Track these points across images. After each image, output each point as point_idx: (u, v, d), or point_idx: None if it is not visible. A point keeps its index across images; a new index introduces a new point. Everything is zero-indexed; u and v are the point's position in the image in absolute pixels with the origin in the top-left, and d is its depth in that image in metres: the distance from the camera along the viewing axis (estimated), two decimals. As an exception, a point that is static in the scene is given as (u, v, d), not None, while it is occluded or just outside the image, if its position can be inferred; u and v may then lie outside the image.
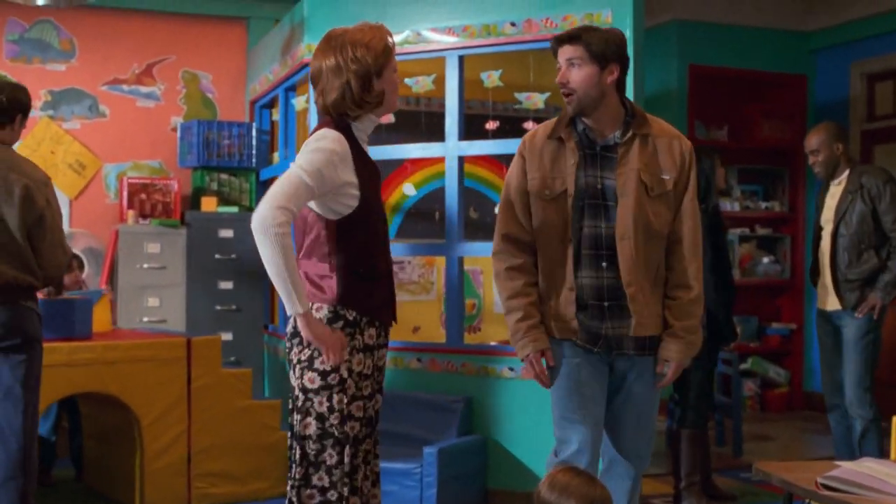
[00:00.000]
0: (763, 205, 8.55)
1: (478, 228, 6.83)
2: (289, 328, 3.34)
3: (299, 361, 3.29)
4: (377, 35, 3.34)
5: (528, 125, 5.49)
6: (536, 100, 5.44)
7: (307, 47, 5.93)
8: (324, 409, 3.25)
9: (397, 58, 5.57)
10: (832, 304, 5.51)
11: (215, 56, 7.63)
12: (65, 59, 7.27)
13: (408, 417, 5.39)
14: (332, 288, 3.27)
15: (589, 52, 3.39)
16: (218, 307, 6.77)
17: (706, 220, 5.01)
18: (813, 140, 5.58)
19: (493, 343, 6.55)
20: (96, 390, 5.00)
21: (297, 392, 3.30)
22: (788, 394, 8.59)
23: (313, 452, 3.27)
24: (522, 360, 3.52)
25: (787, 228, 8.63)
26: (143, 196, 6.91)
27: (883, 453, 4.83)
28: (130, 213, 6.77)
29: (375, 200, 3.41)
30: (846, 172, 5.53)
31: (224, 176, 7.14)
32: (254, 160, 7.13)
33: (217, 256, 6.76)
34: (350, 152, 3.28)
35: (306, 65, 5.98)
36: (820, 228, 5.66)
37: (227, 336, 6.71)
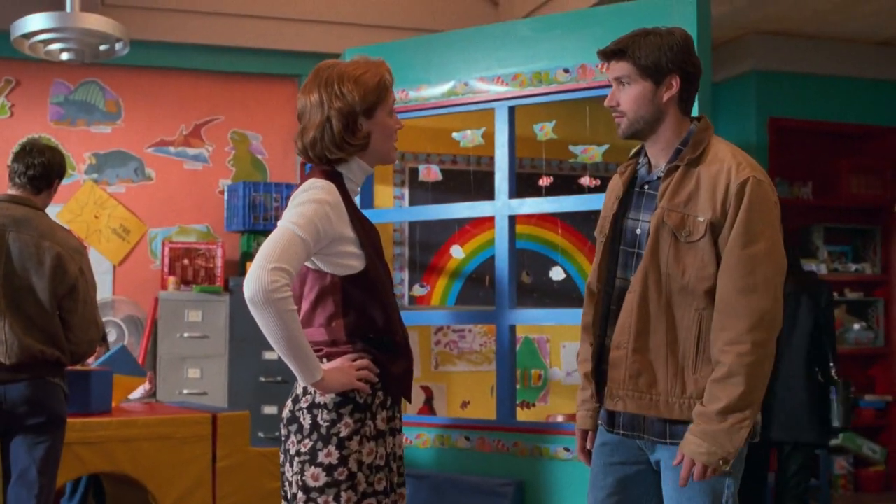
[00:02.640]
0: (853, 267, 7.97)
1: (530, 293, 6.38)
2: (285, 412, 2.89)
3: (298, 454, 2.82)
4: (371, 70, 2.92)
5: (585, 181, 5.05)
6: (594, 153, 5.00)
7: (350, 101, 5.59)
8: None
9: (443, 111, 5.30)
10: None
11: (265, 116, 7.35)
12: (110, 120, 7.05)
13: (454, 502, 4.92)
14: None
15: (638, 68, 2.81)
16: (262, 379, 6.40)
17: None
18: None
19: (558, 418, 6.07)
20: (110, 470, 4.64)
21: (294, 489, 2.81)
22: (885, 473, 7.93)
23: None
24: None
25: (880, 292, 8.02)
26: (186, 261, 6.61)
27: None
28: (171, 280, 6.47)
29: (380, 259, 2.97)
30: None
31: (271, 240, 6.80)
32: (302, 223, 6.77)
33: (260, 325, 6.38)
34: (343, 204, 2.85)
35: (349, 120, 5.65)
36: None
37: (271, 410, 6.34)
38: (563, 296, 6.54)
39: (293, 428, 2.84)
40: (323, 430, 2.79)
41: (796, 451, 5.22)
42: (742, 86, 7.69)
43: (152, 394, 5.78)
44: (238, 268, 6.80)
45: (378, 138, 2.93)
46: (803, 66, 7.73)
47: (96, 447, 4.55)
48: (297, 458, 2.82)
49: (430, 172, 5.72)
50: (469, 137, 5.27)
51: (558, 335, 6.77)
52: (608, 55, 2.87)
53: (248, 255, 6.71)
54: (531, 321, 5.21)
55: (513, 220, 5.06)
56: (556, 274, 5.32)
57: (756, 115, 7.59)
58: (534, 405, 6.74)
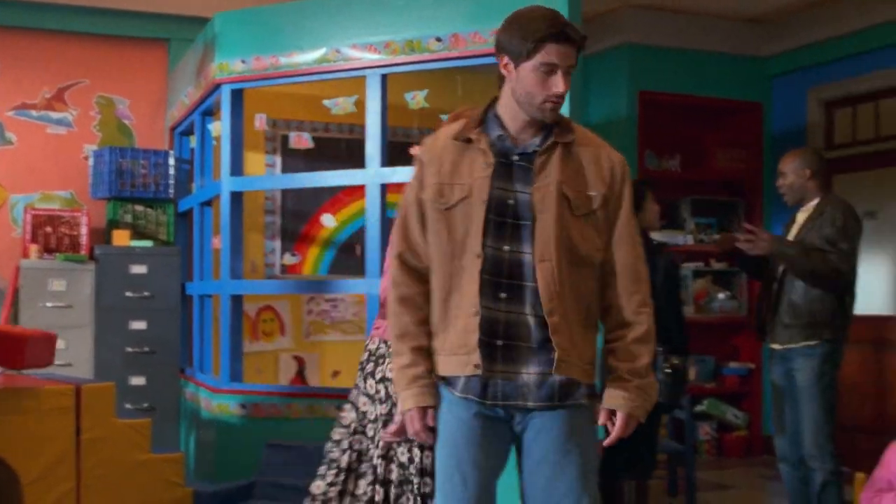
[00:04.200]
0: (718, 238, 8.14)
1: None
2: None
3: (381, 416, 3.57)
4: None
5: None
6: (465, 122, 4.98)
7: (219, 66, 5.48)
8: (405, 459, 3.56)
9: (314, 77, 5.25)
10: (782, 340, 5.07)
11: (133, 80, 7.14)
12: (-33, 82, 6.78)
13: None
14: None
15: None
16: (129, 349, 6.24)
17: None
18: (781, 162, 5.23)
19: None
20: (-35, 446, 4.46)
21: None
22: (747, 438, 8.17)
23: (394, 496, 3.57)
24: (401, 413, 2.96)
25: (744, 263, 8.21)
26: (49, 229, 6.39)
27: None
28: (34, 248, 6.26)
29: None
30: (815, 201, 5.13)
31: (139, 208, 6.63)
32: (171, 191, 6.63)
33: (128, 294, 6.24)
34: None
35: (219, 85, 5.54)
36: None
37: (139, 381, 6.21)
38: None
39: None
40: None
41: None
42: (614, 59, 7.77)
43: (14, 365, 5.59)
44: (104, 236, 6.61)
45: None
46: (674, 40, 7.85)
47: (-50, 421, 4.38)
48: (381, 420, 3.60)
49: (301, 140, 5.65)
50: (341, 105, 5.23)
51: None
52: (579, 42, 2.85)
53: (115, 223, 6.52)
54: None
55: (384, 188, 5.04)
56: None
57: (627, 88, 7.68)
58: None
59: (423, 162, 2.98)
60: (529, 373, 2.84)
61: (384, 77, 5.03)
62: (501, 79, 2.93)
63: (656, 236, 7.61)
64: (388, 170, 5.01)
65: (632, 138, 7.67)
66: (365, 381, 3.76)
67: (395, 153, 5.28)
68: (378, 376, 3.67)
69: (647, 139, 7.81)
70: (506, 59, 2.87)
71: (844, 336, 5.06)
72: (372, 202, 5.02)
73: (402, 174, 5.11)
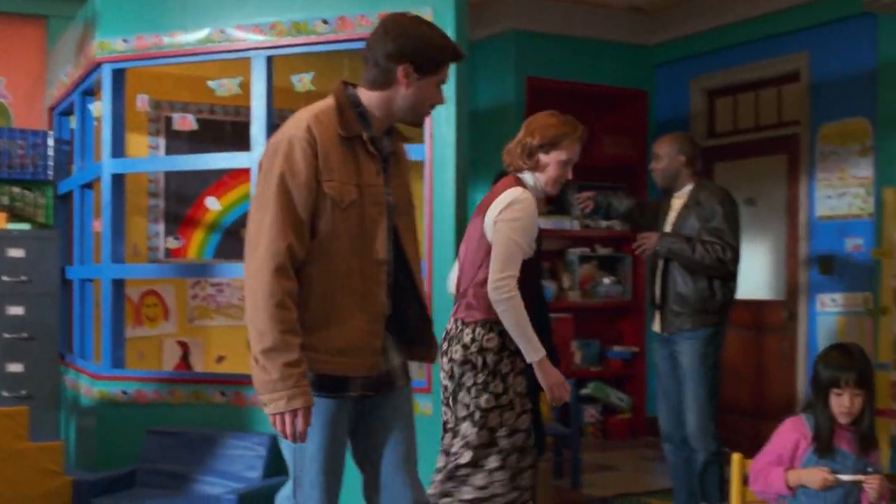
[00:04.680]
0: (604, 224, 8.26)
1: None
2: (458, 356, 3.85)
3: (475, 384, 3.82)
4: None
5: (342, 133, 5.02)
6: (352, 105, 4.94)
7: (100, 45, 5.35)
8: (495, 423, 3.83)
9: (198, 58, 5.15)
10: (672, 328, 5.17)
11: (10, 58, 6.93)
12: None
13: (207, 458, 4.83)
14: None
15: None
16: (6, 335, 6.05)
17: None
18: (656, 147, 5.31)
19: None
20: None
21: (472, 409, 3.82)
22: (632, 420, 8.32)
23: (477, 458, 3.83)
24: (281, 411, 2.76)
25: (629, 247, 8.29)
26: (-82, 212, 6.17)
27: (724, 491, 4.50)
28: None
29: None
30: (689, 187, 5.22)
31: (17, 189, 6.44)
32: (50, 172, 6.46)
33: (5, 279, 6.04)
34: None
35: (100, 64, 5.41)
36: (657, 245, 5.33)
37: (17, 368, 6.02)
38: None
39: (467, 367, 3.84)
40: (491, 367, 3.82)
41: None
42: (501, 45, 7.80)
43: None
44: (-20, 218, 6.40)
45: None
46: (561, 27, 7.92)
47: None
48: (473, 388, 3.82)
49: (185, 122, 5.54)
50: (225, 87, 5.15)
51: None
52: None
53: (-9, 205, 6.34)
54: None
55: (270, 172, 4.97)
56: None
57: (514, 74, 7.71)
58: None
59: (317, 147, 2.85)
60: (398, 360, 3.10)
61: (269, 59, 4.97)
62: (384, 80, 2.93)
63: (543, 223, 7.71)
64: (273, 153, 4.95)
65: (519, 124, 7.65)
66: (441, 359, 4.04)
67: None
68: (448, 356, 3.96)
69: (535, 125, 7.86)
70: (410, 69, 2.90)
71: (727, 320, 5.18)
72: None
73: (287, 157, 5.06)
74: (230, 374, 5.50)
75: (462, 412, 3.86)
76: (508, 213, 3.78)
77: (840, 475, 3.09)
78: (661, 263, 5.20)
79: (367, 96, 2.97)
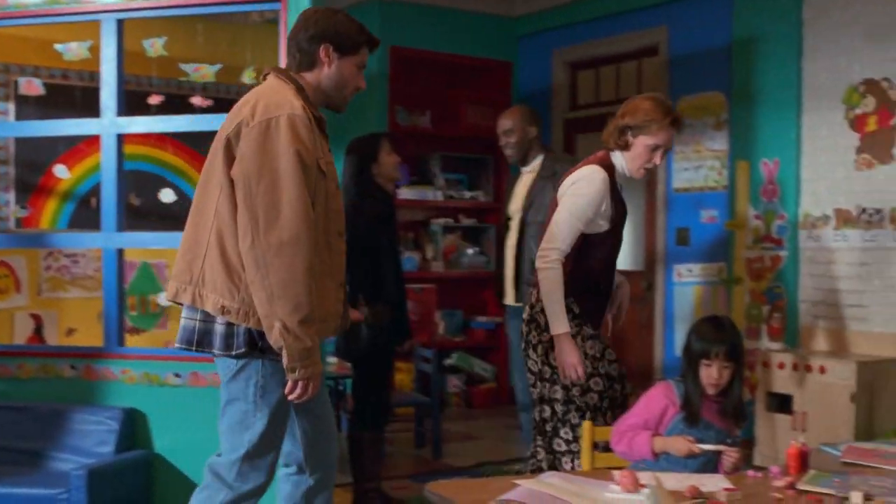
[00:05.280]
0: (468, 194, 8.29)
1: (142, 217, 6.16)
2: (525, 315, 4.10)
3: (541, 342, 4.00)
4: None
5: (196, 100, 4.91)
6: (206, 72, 4.83)
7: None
8: (568, 381, 3.93)
9: (45, 20, 4.96)
10: (519, 297, 5.21)
11: None
12: None
13: (57, 434, 4.69)
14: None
15: None
16: None
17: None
18: (507, 120, 5.31)
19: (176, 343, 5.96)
20: None
21: (540, 366, 4.02)
22: (495, 389, 8.39)
23: (561, 412, 4.00)
24: (309, 377, 3.05)
25: (492, 218, 8.40)
26: None
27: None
28: None
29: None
30: (539, 158, 5.27)
31: None
32: None
33: None
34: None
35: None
36: (508, 219, 5.37)
37: None
38: (180, 219, 6.38)
39: (533, 325, 4.03)
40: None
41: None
42: (365, 14, 7.71)
43: None
44: None
45: None
46: (427, -4, 7.91)
47: None
48: (540, 346, 4.00)
49: (31, 86, 5.34)
50: (74, 51, 4.95)
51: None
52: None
53: None
54: (139, 245, 5.05)
55: (121, 139, 4.83)
56: (166, 195, 5.16)
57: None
58: (145, 331, 6.54)
59: (307, 129, 3.06)
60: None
61: (120, 22, 4.80)
62: (309, 62, 3.21)
63: (407, 193, 7.71)
64: (124, 119, 4.80)
65: (383, 94, 7.68)
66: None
67: (134, 102, 5.07)
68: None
69: (398, 95, 7.85)
70: (330, 48, 3.19)
71: None
72: (108, 153, 4.79)
73: (139, 124, 4.93)
74: (81, 347, 5.34)
75: (534, 368, 4.07)
76: (572, 189, 3.93)
77: (702, 444, 3.15)
78: (514, 236, 5.23)
79: (307, 81, 3.23)
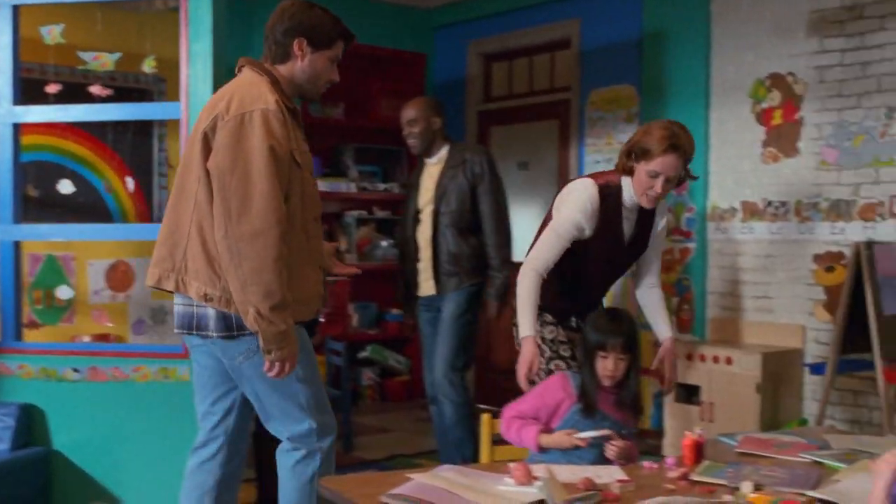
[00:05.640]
0: (381, 186, 8.24)
1: (41, 208, 6.01)
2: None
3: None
4: None
5: (95, 90, 4.80)
6: (105, 60, 4.71)
7: None
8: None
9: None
10: (430, 289, 5.20)
11: None
12: None
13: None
14: None
15: None
16: None
17: None
18: (411, 110, 5.30)
19: (84, 338, 5.98)
20: None
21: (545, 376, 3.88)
22: (409, 382, 8.36)
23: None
24: (286, 357, 3.25)
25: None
26: None
27: (476, 443, 4.56)
28: None
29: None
30: (445, 149, 5.26)
31: None
32: None
33: None
34: None
35: None
36: (417, 211, 5.35)
37: None
38: (87, 210, 6.25)
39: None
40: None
41: None
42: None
43: None
44: None
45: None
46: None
47: None
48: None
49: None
50: (-32, 38, 4.81)
51: (85, 253, 6.45)
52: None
53: None
54: (37, 237, 4.92)
55: (17, 128, 4.71)
56: (65, 187, 5.06)
57: (290, 33, 7.57)
58: (49, 325, 6.38)
59: (286, 117, 3.22)
60: None
61: (16, 8, 4.68)
62: (283, 55, 3.35)
63: (320, 185, 7.62)
64: (20, 108, 4.69)
65: (295, 84, 7.59)
66: None
67: (30, 90, 4.94)
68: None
69: (311, 86, 7.76)
70: (303, 42, 3.32)
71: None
72: (3, 143, 4.67)
73: (36, 113, 4.81)
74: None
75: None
76: (558, 202, 3.95)
77: (581, 434, 3.15)
78: (429, 229, 5.22)
79: (282, 73, 3.35)
